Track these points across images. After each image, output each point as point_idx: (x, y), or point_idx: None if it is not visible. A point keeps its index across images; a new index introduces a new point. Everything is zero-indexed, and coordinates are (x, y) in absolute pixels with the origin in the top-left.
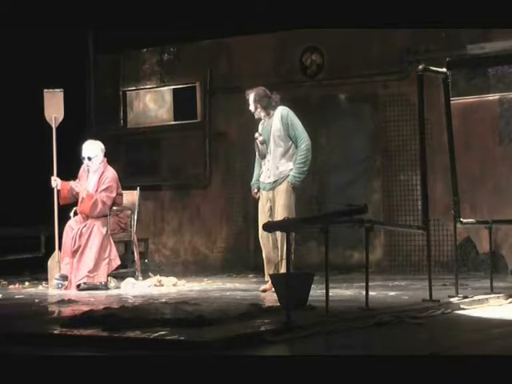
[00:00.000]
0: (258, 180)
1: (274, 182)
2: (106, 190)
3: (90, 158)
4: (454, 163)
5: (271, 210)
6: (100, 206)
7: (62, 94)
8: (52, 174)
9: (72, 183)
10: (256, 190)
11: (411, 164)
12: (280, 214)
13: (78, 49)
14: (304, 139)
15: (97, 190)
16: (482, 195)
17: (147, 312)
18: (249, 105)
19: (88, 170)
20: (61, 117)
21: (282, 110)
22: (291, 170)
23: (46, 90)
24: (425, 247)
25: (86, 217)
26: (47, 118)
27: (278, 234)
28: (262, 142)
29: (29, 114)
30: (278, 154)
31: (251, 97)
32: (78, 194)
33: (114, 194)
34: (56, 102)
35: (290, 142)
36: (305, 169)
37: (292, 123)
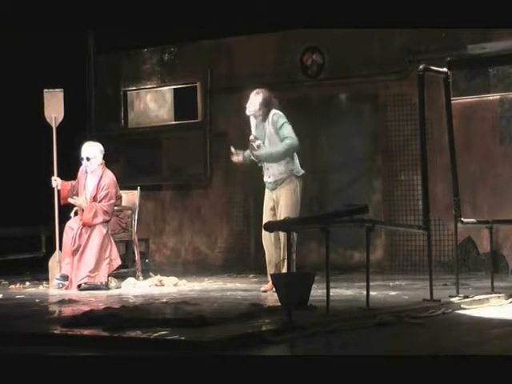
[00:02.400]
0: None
1: (275, 181)
2: (105, 197)
3: (88, 159)
4: (454, 163)
5: (275, 209)
6: (101, 215)
7: (62, 93)
8: (52, 174)
9: (71, 184)
10: (237, 152)
11: (412, 164)
12: (283, 214)
13: (79, 49)
14: (291, 138)
15: (95, 196)
16: (483, 195)
17: (148, 312)
18: (248, 101)
19: (86, 170)
20: (61, 117)
21: (273, 116)
22: (291, 170)
23: (46, 90)
24: (425, 247)
25: None
26: (47, 118)
27: (282, 234)
28: (259, 146)
29: (29, 114)
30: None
31: (259, 98)
32: (77, 194)
33: (113, 200)
34: (56, 102)
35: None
36: (274, 156)
37: (281, 126)
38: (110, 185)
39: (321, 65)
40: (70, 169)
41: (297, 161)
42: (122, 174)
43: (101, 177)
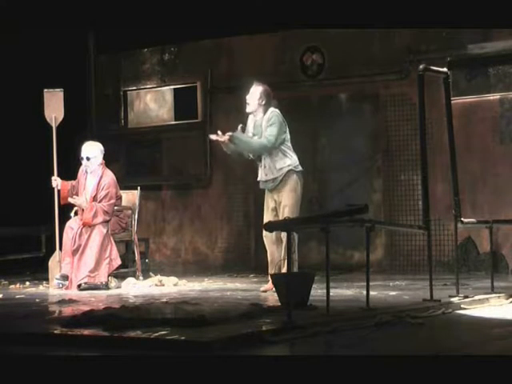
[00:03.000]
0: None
1: (274, 179)
2: (105, 197)
3: (88, 158)
4: (454, 163)
5: (276, 210)
6: (101, 215)
7: (62, 93)
8: (52, 174)
9: (71, 184)
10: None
11: (412, 164)
12: (285, 215)
13: (79, 49)
14: (268, 140)
15: (95, 196)
16: (483, 195)
17: (148, 312)
18: (248, 94)
19: (86, 170)
20: (61, 117)
21: (270, 113)
22: (289, 165)
23: (46, 90)
24: (425, 247)
25: None
26: (47, 118)
27: (283, 233)
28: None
29: (29, 114)
30: (274, 150)
31: (259, 89)
32: (77, 193)
33: (113, 200)
34: (56, 102)
35: (283, 138)
36: (244, 143)
37: (271, 124)
38: (110, 185)
39: (321, 65)
40: (70, 169)
41: (295, 156)
42: (122, 174)
43: (101, 177)
